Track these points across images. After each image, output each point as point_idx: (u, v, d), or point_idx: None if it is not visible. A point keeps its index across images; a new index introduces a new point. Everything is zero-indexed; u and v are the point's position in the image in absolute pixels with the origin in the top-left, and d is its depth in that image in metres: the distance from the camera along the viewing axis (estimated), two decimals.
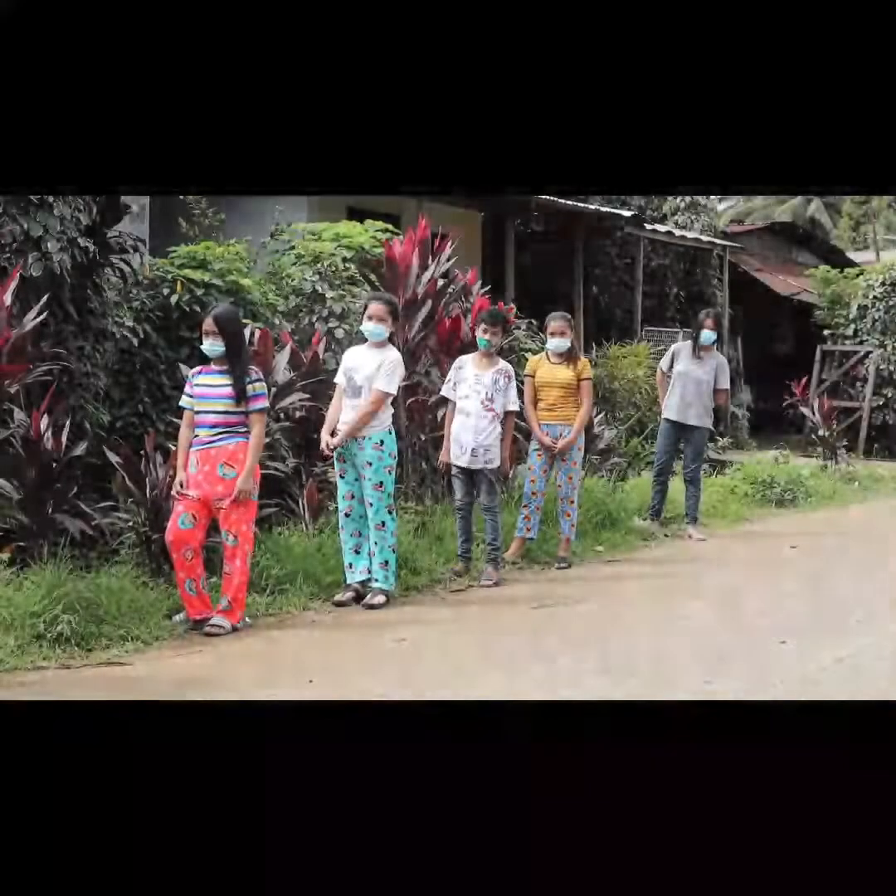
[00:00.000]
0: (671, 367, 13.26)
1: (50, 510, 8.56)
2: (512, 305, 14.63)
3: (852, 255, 32.13)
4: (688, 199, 24.54)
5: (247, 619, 8.40)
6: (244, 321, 9.64)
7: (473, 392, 10.10)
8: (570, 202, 21.03)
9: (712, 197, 26.97)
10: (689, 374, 13.01)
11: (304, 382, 10.37)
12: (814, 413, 19.97)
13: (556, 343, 11.03)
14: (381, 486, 9.22)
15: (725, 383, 13.36)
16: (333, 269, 12.76)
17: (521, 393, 10.78)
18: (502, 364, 10.37)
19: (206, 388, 8.36)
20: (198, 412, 8.35)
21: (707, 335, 13.16)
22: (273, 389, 9.92)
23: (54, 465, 8.56)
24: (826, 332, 24.11)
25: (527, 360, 12.20)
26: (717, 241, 24.19)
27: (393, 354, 9.44)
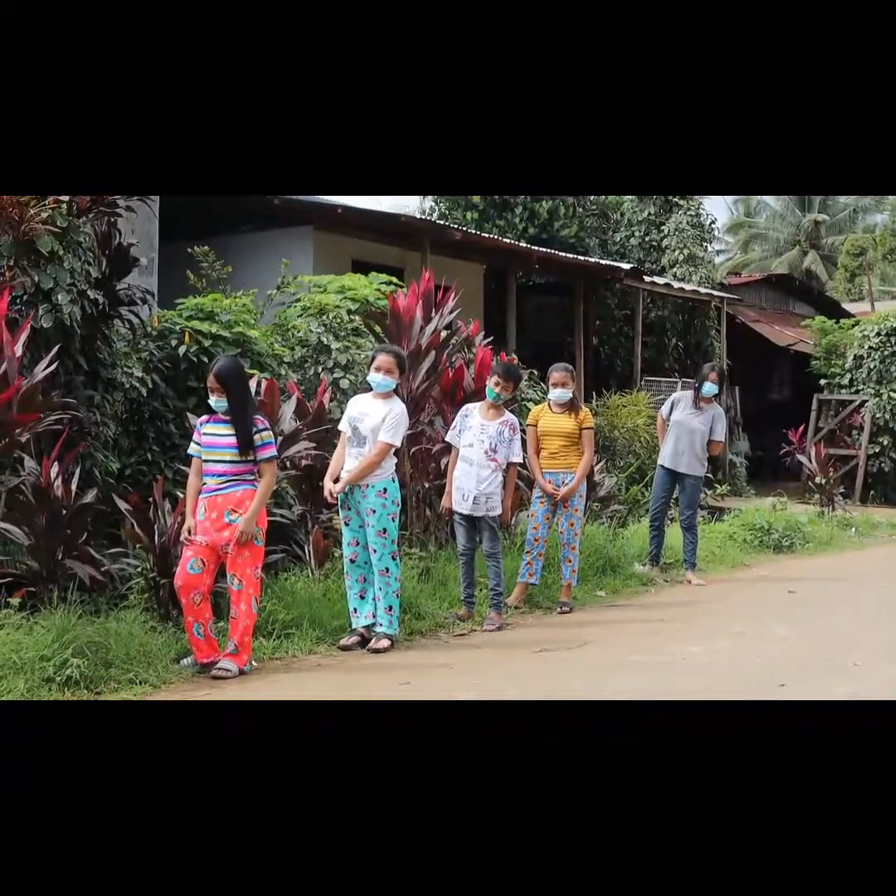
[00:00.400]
0: (670, 413, 13.33)
1: (60, 556, 8.56)
2: (514, 356, 14.67)
3: (848, 307, 32.18)
4: (686, 252, 24.65)
5: (253, 663, 8.40)
6: (251, 372, 9.68)
7: (478, 441, 10.13)
8: (570, 255, 21.16)
9: (709, 249, 27.08)
10: (684, 424, 13.08)
11: (309, 431, 10.38)
12: (810, 460, 19.95)
13: (558, 393, 11.08)
14: (384, 533, 9.23)
15: (721, 435, 13.42)
16: (339, 321, 12.80)
17: (523, 442, 10.81)
18: (508, 416, 10.40)
19: (213, 438, 8.39)
20: (206, 460, 8.38)
21: (709, 387, 13.22)
22: (279, 438, 9.90)
23: (64, 512, 8.57)
24: (822, 381, 24.20)
25: (528, 409, 12.32)
26: (715, 292, 24.25)
27: (398, 407, 9.46)
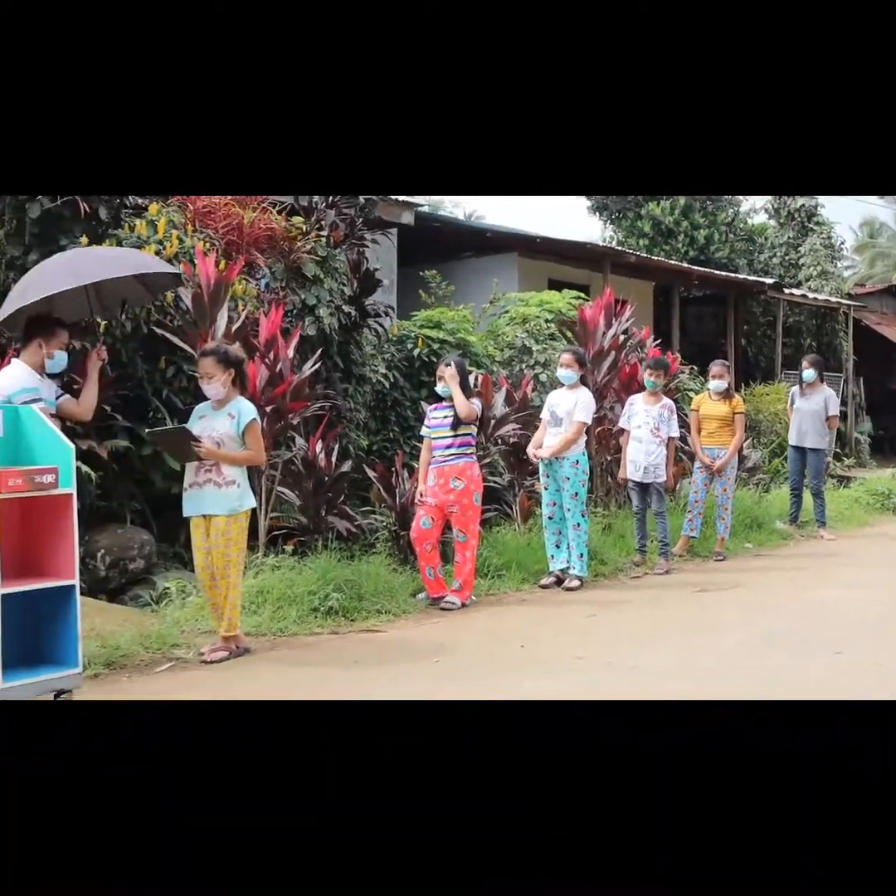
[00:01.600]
0: (792, 403, 13.26)
1: (323, 513, 8.74)
2: (677, 355, 14.49)
3: None
4: (819, 268, 24.10)
5: (473, 598, 8.47)
6: (469, 368, 9.73)
7: (644, 423, 10.16)
8: (723, 273, 20.90)
9: (839, 266, 26.38)
10: (802, 409, 12.96)
11: (515, 415, 10.41)
12: None
13: (715, 384, 11.04)
14: (576, 496, 9.24)
15: (834, 410, 13.14)
16: (538, 328, 12.81)
17: (683, 424, 10.78)
18: (666, 400, 10.38)
19: (439, 419, 8.47)
20: (434, 438, 8.47)
21: (807, 374, 13.08)
22: (492, 422, 10.03)
23: (326, 479, 8.73)
24: None
25: (691, 398, 12.28)
26: (844, 301, 23.64)
27: (587, 394, 9.49)
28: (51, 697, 5.31)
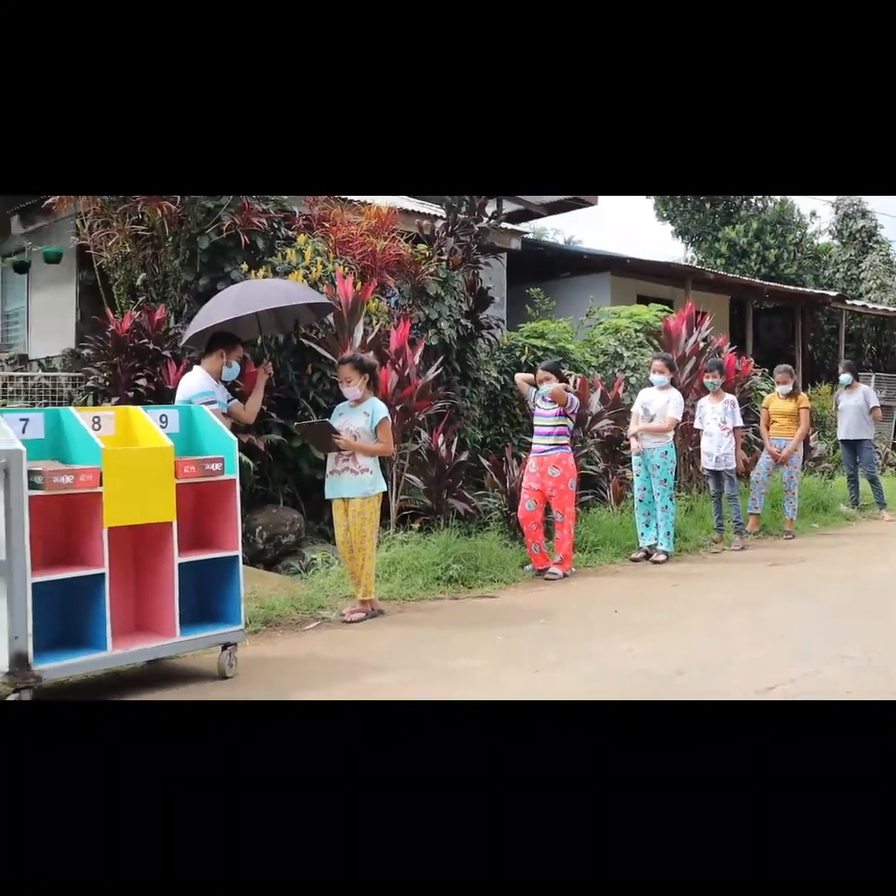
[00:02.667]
0: (837, 405, 13.21)
1: (444, 496, 8.77)
2: (750, 360, 14.22)
3: None
4: (879, 281, 23.52)
5: (572, 569, 8.44)
6: (569, 372, 9.71)
7: (712, 419, 10.09)
8: (791, 287, 20.52)
9: None
10: (846, 407, 12.85)
11: (609, 412, 10.36)
12: None
13: (781, 388, 10.97)
14: (665, 482, 9.20)
15: (875, 403, 12.97)
16: (628, 337, 12.72)
17: (756, 419, 10.66)
18: (727, 396, 10.30)
19: (543, 413, 8.45)
20: (535, 431, 8.48)
21: (843, 378, 13.17)
22: (589, 417, 10.02)
23: (447, 467, 8.77)
24: None
25: (762, 397, 12.14)
26: None
27: (677, 395, 9.51)
28: (220, 649, 5.45)
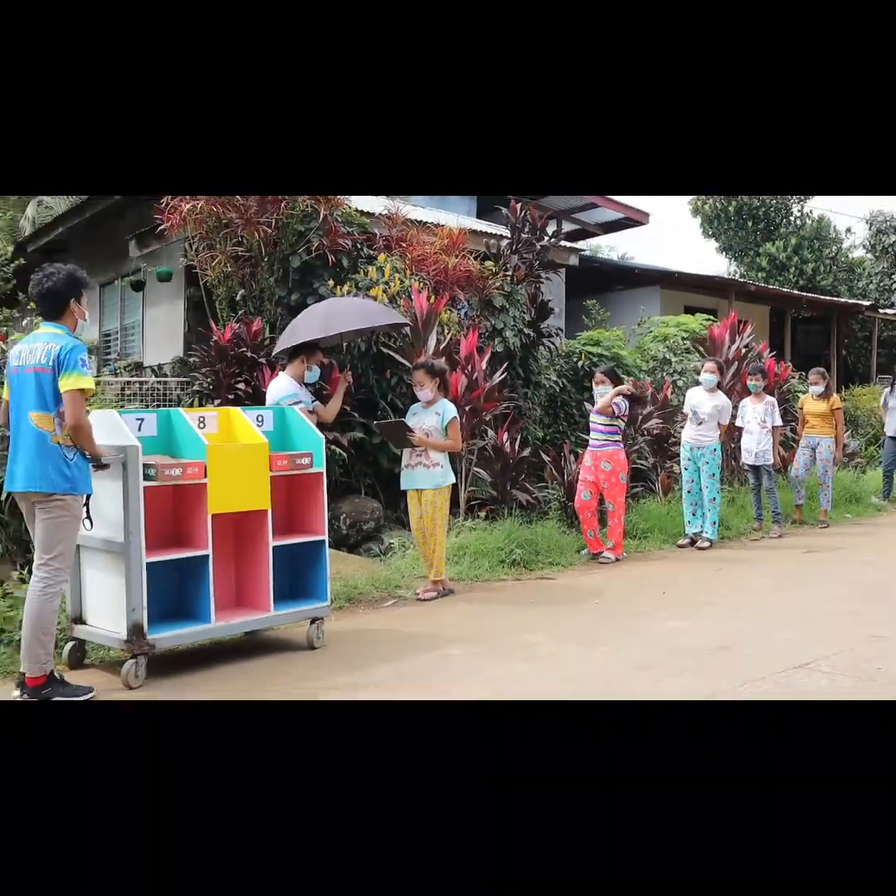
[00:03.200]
0: (885, 403, 12.73)
1: (508, 487, 8.77)
2: (789, 364, 13.99)
3: None
4: None
5: (624, 554, 8.40)
6: (623, 376, 9.64)
7: (753, 419, 9.96)
8: (827, 297, 20.15)
9: None
10: (894, 407, 12.45)
11: (658, 412, 10.27)
12: None
13: (814, 389, 10.74)
14: (713, 476, 9.12)
15: None
16: (676, 344, 12.58)
17: (794, 419, 10.48)
18: (768, 398, 10.15)
19: (597, 415, 8.42)
20: (591, 429, 8.44)
21: None
22: (640, 416, 9.94)
23: (511, 461, 8.76)
24: None
25: (799, 398, 11.92)
26: None
27: (725, 399, 9.40)
28: (308, 622, 5.52)
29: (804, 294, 19.80)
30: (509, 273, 9.97)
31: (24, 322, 7.20)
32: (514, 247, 10.23)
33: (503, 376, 9.03)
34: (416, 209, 11.55)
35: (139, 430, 5.11)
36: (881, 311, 20.75)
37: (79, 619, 5.00)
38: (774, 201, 25.24)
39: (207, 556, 5.01)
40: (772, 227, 25.18)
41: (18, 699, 4.52)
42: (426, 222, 10.31)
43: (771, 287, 20.13)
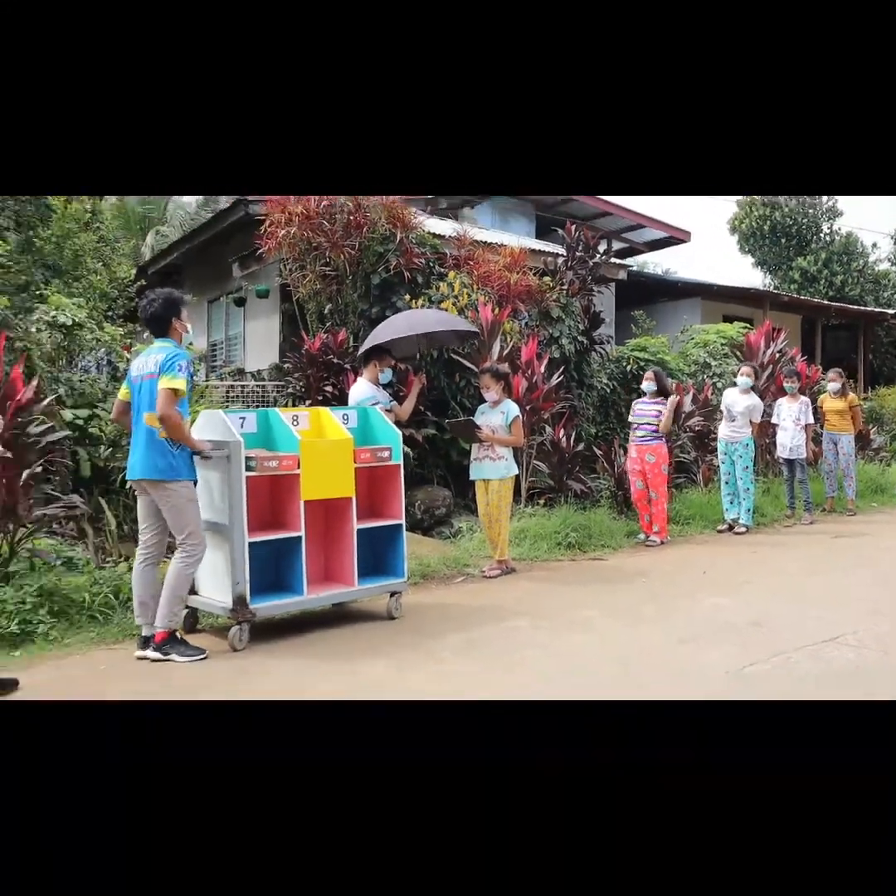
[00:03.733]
0: None
1: (564, 478, 8.71)
2: (819, 367, 13.66)
3: None
4: None
5: (668, 538, 8.28)
6: (668, 379, 9.51)
7: (788, 416, 9.75)
8: (854, 307, 19.63)
9: None
10: None
11: (700, 411, 10.11)
12: None
13: (831, 386, 10.48)
14: (747, 468, 8.94)
15: None
16: (715, 349, 12.36)
17: (815, 414, 10.23)
18: (802, 398, 9.92)
19: (642, 410, 8.31)
20: (639, 426, 8.33)
21: None
22: (683, 415, 9.79)
23: (566, 455, 8.70)
24: None
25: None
26: None
27: (758, 400, 9.23)
28: (388, 596, 5.54)
29: (833, 304, 19.34)
30: (565, 287, 9.89)
31: (145, 334, 7.34)
32: (569, 264, 10.15)
33: (559, 379, 8.96)
34: (482, 231, 11.52)
35: (241, 427, 5.19)
36: None
37: (192, 591, 5.10)
38: (806, 219, 24.66)
39: (300, 538, 5.06)
40: (803, 243, 24.61)
41: (140, 657, 4.65)
42: (490, 243, 10.28)
43: (803, 298, 19.69)
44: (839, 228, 24.86)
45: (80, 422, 6.80)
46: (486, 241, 10.20)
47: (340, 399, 7.79)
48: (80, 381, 7.33)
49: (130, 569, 5.16)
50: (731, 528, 8.94)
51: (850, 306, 19.82)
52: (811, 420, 9.82)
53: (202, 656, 4.68)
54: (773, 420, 10.00)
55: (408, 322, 7.37)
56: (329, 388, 8.10)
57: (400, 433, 5.72)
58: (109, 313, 9.76)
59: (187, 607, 5.11)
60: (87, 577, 5.43)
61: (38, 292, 9.03)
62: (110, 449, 6.80)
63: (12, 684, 4.19)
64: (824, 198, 24.69)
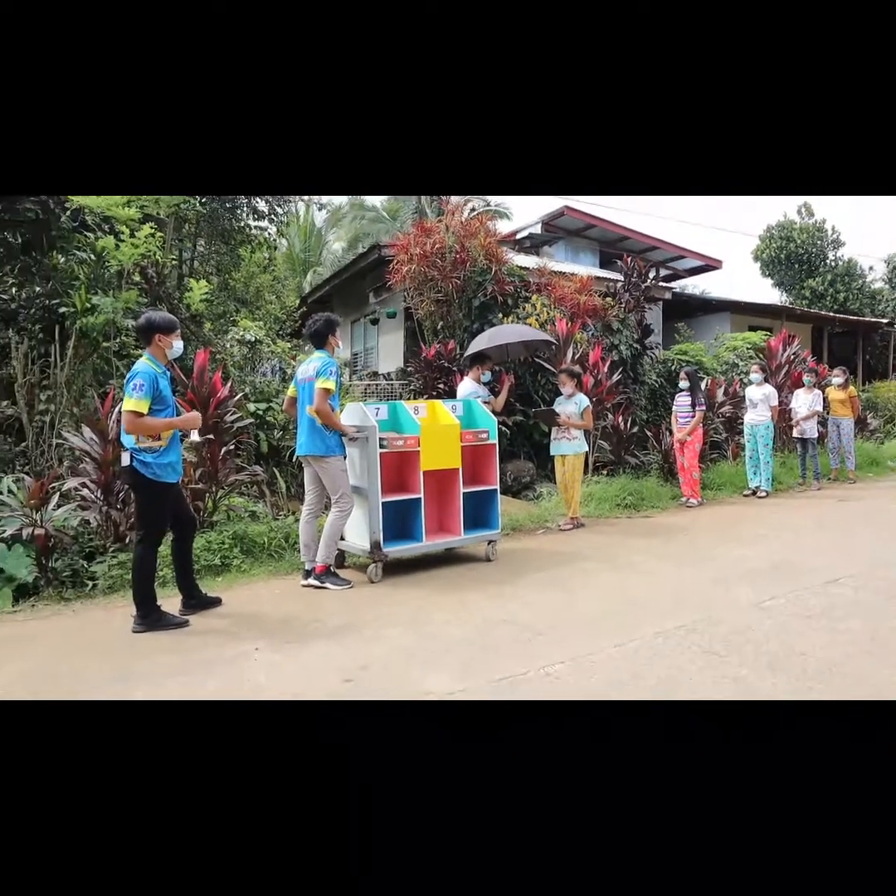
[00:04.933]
0: None
1: (622, 454, 8.42)
2: (826, 366, 12.81)
3: None
4: None
5: (703, 500, 7.89)
6: (702, 375, 9.05)
7: (804, 405, 9.18)
8: (855, 317, 18.37)
9: None
10: None
11: (730, 401, 9.61)
12: None
13: (835, 380, 9.82)
14: (767, 445, 8.45)
15: None
16: (742, 352, 11.73)
17: (824, 404, 9.59)
18: (816, 391, 9.31)
19: (681, 402, 7.93)
20: (678, 414, 7.95)
21: None
22: (716, 404, 9.31)
23: (624, 436, 8.41)
24: None
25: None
26: None
27: (772, 389, 8.66)
28: (486, 543, 5.44)
29: (837, 315, 18.18)
30: (623, 305, 9.52)
31: (307, 347, 7.42)
32: (625, 287, 9.77)
33: (619, 377, 8.65)
34: (558, 264, 11.21)
35: (376, 415, 5.17)
36: None
37: (341, 538, 5.12)
38: (815, 248, 23.18)
39: (420, 499, 5.02)
40: (813, 268, 23.18)
41: (304, 585, 4.69)
42: (564, 272, 10.00)
43: (812, 311, 18.56)
44: (842, 255, 23.37)
45: (260, 412, 6.93)
46: (561, 271, 9.93)
47: (450, 393, 7.71)
48: (260, 382, 7.48)
49: (297, 520, 5.23)
50: (754, 493, 8.46)
51: (851, 317, 18.63)
52: (820, 407, 9.28)
53: (349, 586, 4.69)
54: (791, 406, 9.46)
55: (501, 334, 7.23)
56: (441, 386, 8.02)
57: (495, 419, 5.60)
58: (281, 332, 9.93)
59: (338, 550, 5.15)
60: (266, 526, 5.53)
61: (231, 319, 9.26)
62: (281, 432, 6.92)
63: (216, 602, 4.29)
64: (830, 231, 23.17)
